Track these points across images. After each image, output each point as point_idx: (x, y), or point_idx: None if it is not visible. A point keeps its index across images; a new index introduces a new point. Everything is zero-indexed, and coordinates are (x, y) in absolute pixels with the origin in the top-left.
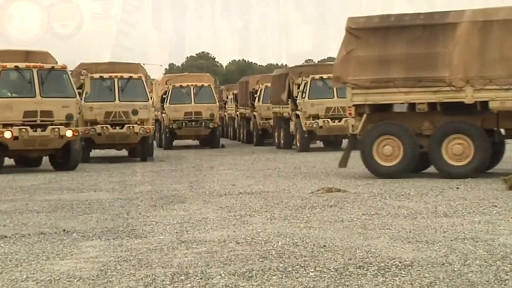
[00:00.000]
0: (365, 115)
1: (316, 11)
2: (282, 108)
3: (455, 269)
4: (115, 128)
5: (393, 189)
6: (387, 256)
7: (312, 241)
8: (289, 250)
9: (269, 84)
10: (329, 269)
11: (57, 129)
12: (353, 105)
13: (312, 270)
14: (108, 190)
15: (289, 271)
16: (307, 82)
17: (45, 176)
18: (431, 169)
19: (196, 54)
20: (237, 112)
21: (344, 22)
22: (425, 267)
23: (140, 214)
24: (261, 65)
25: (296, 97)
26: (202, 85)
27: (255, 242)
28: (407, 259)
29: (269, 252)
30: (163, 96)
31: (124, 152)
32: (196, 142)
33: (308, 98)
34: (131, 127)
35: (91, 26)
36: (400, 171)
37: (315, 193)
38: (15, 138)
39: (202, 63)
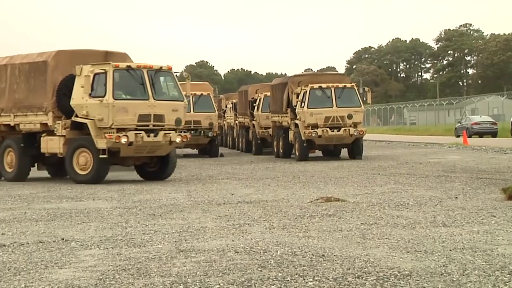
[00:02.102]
0: None
1: (315, 21)
2: (281, 117)
3: (454, 279)
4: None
5: (391, 199)
6: (386, 266)
7: (311, 251)
8: (288, 260)
9: (268, 93)
10: (328, 279)
11: (168, 135)
12: None
13: (311, 279)
14: (106, 198)
15: (288, 280)
16: (306, 91)
17: (43, 185)
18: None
19: (196, 63)
20: (236, 121)
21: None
22: (423, 277)
23: (138, 223)
24: (261, 74)
25: (295, 106)
26: (202, 94)
27: (254, 251)
28: (406, 269)
29: (268, 262)
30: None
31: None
32: (195, 151)
33: (307, 107)
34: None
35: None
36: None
37: (314, 202)
38: (130, 144)
39: (201, 71)
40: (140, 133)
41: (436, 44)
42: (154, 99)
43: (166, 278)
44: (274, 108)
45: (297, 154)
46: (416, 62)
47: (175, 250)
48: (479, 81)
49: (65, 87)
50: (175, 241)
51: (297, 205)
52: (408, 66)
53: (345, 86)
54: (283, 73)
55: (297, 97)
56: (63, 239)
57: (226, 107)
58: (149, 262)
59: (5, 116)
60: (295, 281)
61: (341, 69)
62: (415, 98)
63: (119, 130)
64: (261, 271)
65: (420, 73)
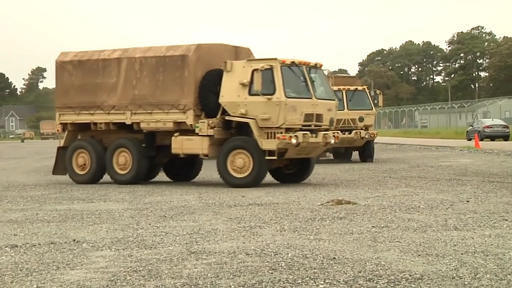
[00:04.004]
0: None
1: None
2: None
3: (465, 283)
4: None
5: (403, 202)
6: (397, 269)
7: (321, 253)
8: (299, 262)
9: None
10: (339, 282)
11: (326, 135)
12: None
13: (322, 282)
14: (118, 200)
15: (299, 283)
16: None
17: (55, 186)
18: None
19: None
20: None
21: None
22: (435, 280)
23: (149, 224)
24: None
25: None
26: (356, 88)
27: (264, 253)
28: (417, 272)
29: (278, 264)
30: None
31: None
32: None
33: None
34: None
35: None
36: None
37: (325, 205)
38: (297, 144)
39: None
40: (307, 133)
41: (448, 46)
42: (315, 97)
43: (177, 280)
44: None
45: None
46: (428, 65)
47: (186, 252)
48: (491, 84)
49: (212, 84)
50: (186, 243)
51: (308, 208)
52: (420, 69)
53: (356, 88)
54: None
55: None
56: (74, 240)
57: None
58: (160, 263)
59: (117, 114)
60: (306, 283)
61: (354, 72)
62: (426, 101)
63: (287, 130)
64: (272, 273)
65: (431, 76)
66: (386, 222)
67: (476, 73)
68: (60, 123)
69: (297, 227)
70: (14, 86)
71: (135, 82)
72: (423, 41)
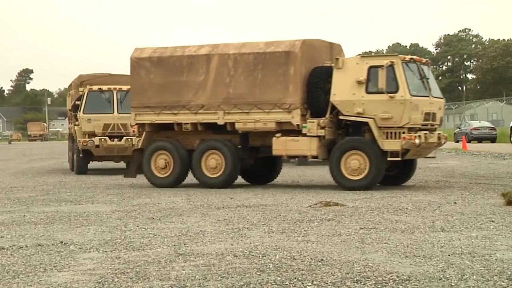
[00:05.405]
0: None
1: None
2: None
3: (452, 284)
4: (113, 140)
5: (390, 204)
6: (384, 271)
7: (309, 255)
8: (287, 264)
9: None
10: (327, 283)
11: (440, 135)
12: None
13: (310, 284)
14: (105, 202)
15: (287, 284)
16: None
17: (43, 188)
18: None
19: None
20: None
21: None
22: (422, 281)
23: (137, 226)
24: None
25: None
26: None
27: (252, 255)
28: (404, 274)
29: (266, 266)
30: None
31: (122, 165)
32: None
33: None
34: (129, 140)
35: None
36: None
37: (313, 206)
38: (418, 145)
39: None
40: (427, 133)
41: (436, 49)
42: (432, 96)
43: (165, 282)
44: None
45: (296, 159)
46: None
47: (174, 254)
48: (478, 86)
49: (321, 81)
50: (174, 245)
51: (296, 209)
52: None
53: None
54: None
55: None
56: (62, 242)
57: None
58: (148, 265)
59: (206, 114)
60: (293, 285)
61: None
62: None
63: (409, 130)
64: (260, 275)
65: None
66: (374, 223)
67: (464, 75)
68: (136, 124)
69: (285, 229)
70: (1, 87)
71: (229, 80)
72: (411, 43)
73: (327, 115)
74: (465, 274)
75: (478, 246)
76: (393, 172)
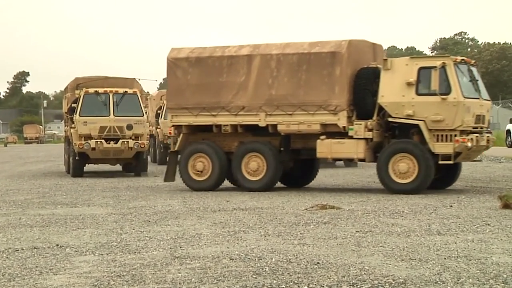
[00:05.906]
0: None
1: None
2: None
3: (448, 287)
4: (109, 143)
5: (386, 207)
6: (380, 274)
7: (305, 258)
8: (283, 267)
9: None
10: (323, 286)
11: (489, 138)
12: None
13: (306, 287)
14: (102, 205)
15: (283, 287)
16: None
17: (38, 191)
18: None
19: None
20: None
21: None
22: (418, 285)
23: (133, 229)
24: None
25: None
26: None
27: (248, 258)
28: (400, 277)
29: (262, 269)
30: (158, 111)
31: (118, 167)
32: None
33: None
34: (125, 142)
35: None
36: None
37: (309, 209)
38: (470, 148)
39: None
40: (479, 136)
41: (432, 52)
42: (481, 98)
43: (161, 285)
44: None
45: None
46: None
47: (170, 257)
48: None
49: (368, 83)
50: (170, 248)
51: (292, 213)
52: None
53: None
54: None
55: None
56: (57, 245)
57: None
58: (144, 268)
59: (247, 115)
60: None
61: None
62: None
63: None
64: (255, 278)
65: None
66: (370, 226)
67: None
68: (173, 125)
69: (281, 232)
70: None
71: (271, 81)
72: (407, 46)
73: (374, 117)
74: (461, 278)
75: (474, 249)
76: (438, 176)
